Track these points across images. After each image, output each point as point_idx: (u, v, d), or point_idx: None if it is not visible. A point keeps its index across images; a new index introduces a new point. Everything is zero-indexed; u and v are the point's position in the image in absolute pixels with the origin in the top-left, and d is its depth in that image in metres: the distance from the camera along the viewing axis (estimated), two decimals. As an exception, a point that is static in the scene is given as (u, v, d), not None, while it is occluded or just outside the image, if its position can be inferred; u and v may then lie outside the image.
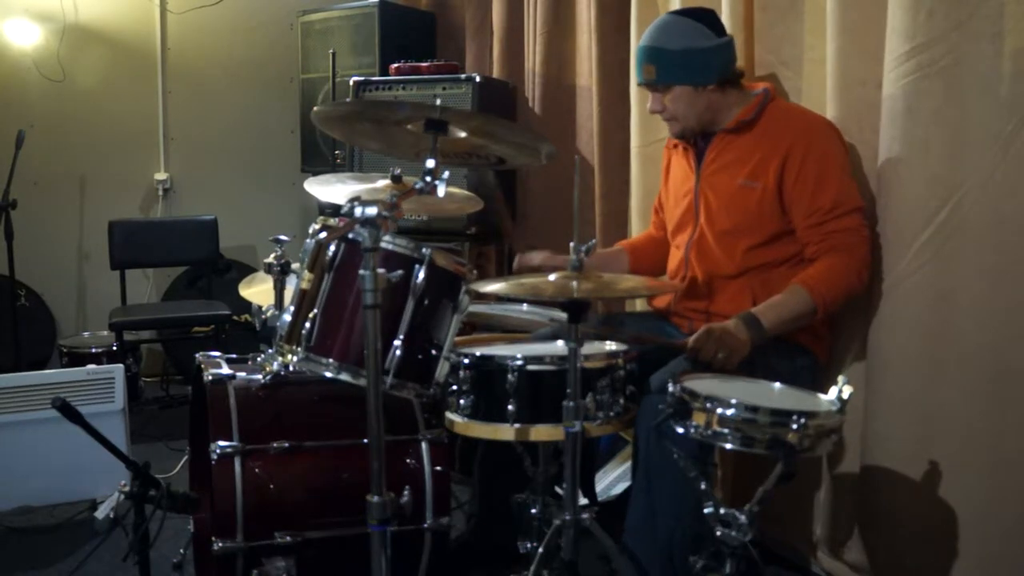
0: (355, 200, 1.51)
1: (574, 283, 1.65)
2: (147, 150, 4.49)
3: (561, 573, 1.75)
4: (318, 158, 4.08)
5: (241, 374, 1.97)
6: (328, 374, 1.73)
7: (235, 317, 3.97)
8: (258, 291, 2.39)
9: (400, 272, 1.59)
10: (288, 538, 1.80)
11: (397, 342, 1.71)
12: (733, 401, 1.49)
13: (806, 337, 2.09)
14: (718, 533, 1.55)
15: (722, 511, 1.55)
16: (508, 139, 1.92)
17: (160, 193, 4.51)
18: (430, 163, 1.69)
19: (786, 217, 2.05)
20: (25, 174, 3.81)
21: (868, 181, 2.10)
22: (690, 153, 2.22)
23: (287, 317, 1.81)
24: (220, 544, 1.77)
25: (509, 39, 3.76)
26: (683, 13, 2.13)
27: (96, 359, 3.74)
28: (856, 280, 1.97)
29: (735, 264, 2.10)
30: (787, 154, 2.01)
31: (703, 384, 1.61)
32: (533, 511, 1.96)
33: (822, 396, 1.62)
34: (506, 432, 1.78)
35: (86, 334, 4.20)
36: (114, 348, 3.77)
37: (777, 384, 1.71)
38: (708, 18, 2.10)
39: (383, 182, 2.13)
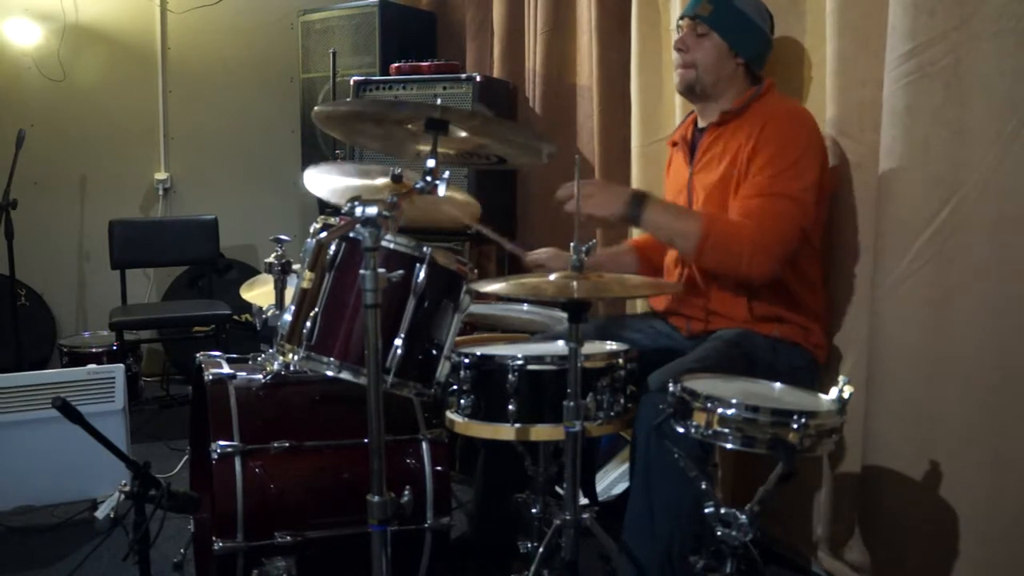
0: (355, 199, 1.51)
1: (574, 283, 1.64)
2: (147, 150, 4.49)
3: (561, 573, 1.75)
4: (318, 158, 4.07)
5: (242, 374, 1.97)
6: (329, 373, 1.73)
7: (235, 317, 3.97)
8: (260, 293, 2.39)
9: (400, 272, 1.59)
10: (288, 538, 1.80)
11: (398, 341, 1.71)
12: (734, 401, 1.49)
13: (805, 337, 2.09)
14: (718, 533, 1.55)
15: (722, 511, 1.55)
16: (509, 139, 1.92)
17: (160, 193, 4.51)
18: (430, 163, 1.69)
19: None
20: (25, 174, 3.81)
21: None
22: (686, 149, 2.25)
23: (288, 316, 1.81)
24: (220, 544, 1.77)
25: (509, 39, 3.76)
26: None
27: (96, 359, 3.75)
28: (746, 257, 1.94)
29: None
30: (757, 138, 2.03)
31: (703, 384, 1.61)
32: (533, 511, 1.96)
33: (822, 396, 1.62)
34: (506, 432, 1.78)
35: (86, 334, 4.20)
36: (114, 348, 3.78)
37: (777, 384, 1.71)
38: (770, 14, 2.22)
39: (383, 181, 2.13)
